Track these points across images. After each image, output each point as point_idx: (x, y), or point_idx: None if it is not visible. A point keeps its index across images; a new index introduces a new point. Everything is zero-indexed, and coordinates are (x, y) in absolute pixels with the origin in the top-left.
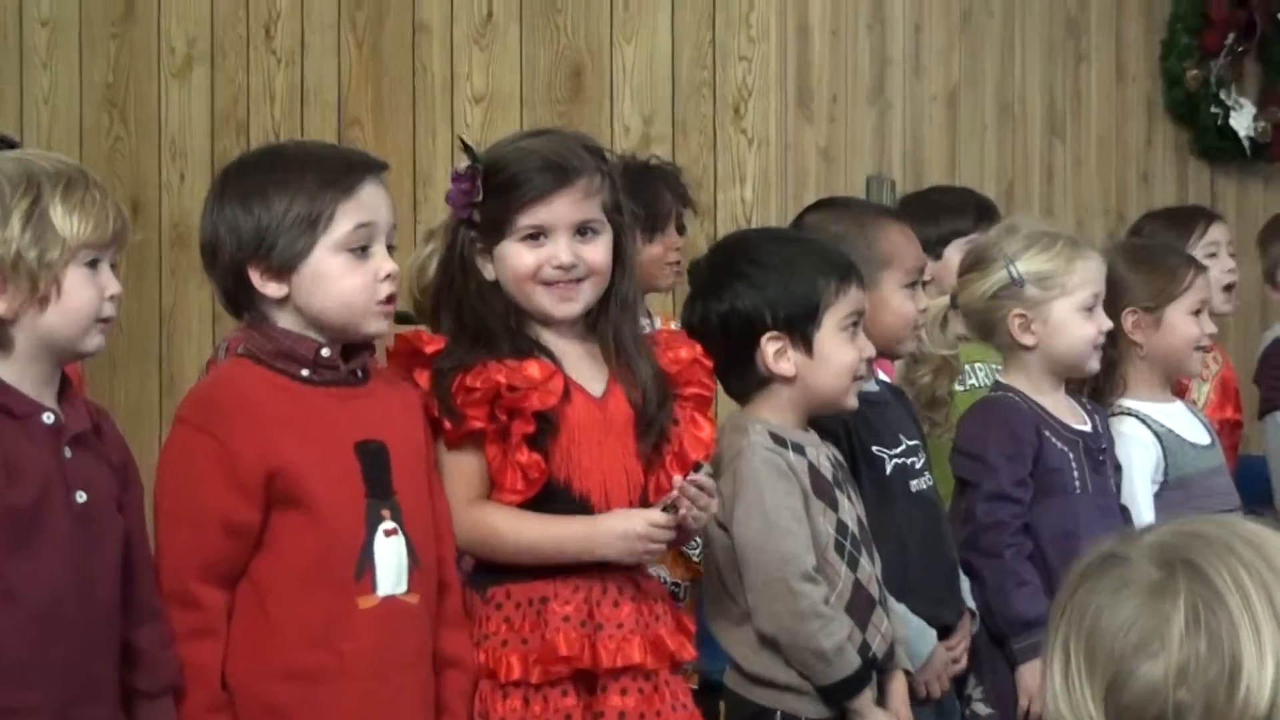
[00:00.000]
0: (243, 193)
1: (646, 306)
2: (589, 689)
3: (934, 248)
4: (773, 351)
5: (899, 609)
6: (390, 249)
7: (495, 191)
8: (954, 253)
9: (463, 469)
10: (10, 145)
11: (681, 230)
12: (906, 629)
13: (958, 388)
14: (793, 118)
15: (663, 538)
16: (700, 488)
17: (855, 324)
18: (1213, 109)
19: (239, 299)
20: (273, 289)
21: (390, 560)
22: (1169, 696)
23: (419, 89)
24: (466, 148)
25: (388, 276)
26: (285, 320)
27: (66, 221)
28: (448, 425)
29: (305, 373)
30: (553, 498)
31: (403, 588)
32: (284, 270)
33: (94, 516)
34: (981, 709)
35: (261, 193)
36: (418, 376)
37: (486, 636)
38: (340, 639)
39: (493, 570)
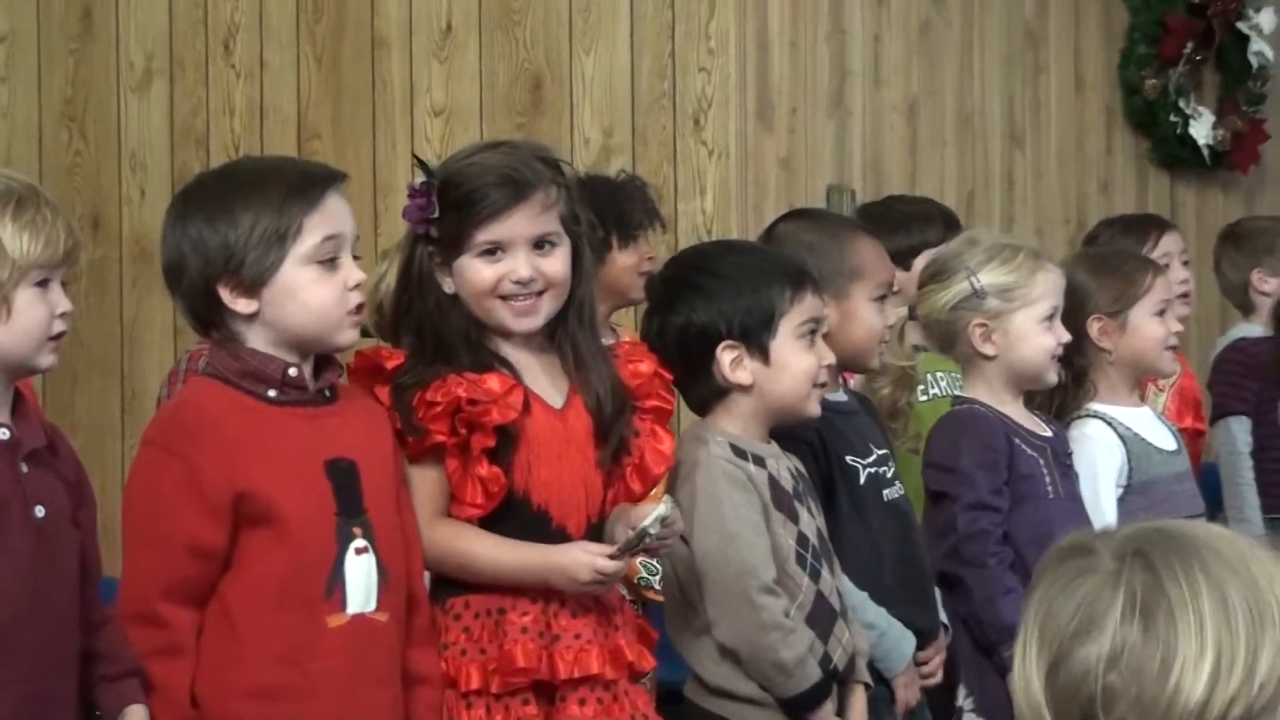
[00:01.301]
0: (206, 210)
1: (612, 324)
2: (549, 699)
3: (903, 258)
4: (729, 361)
5: (880, 612)
6: (354, 259)
7: (451, 207)
8: (924, 262)
9: (425, 484)
10: None
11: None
12: (888, 633)
13: (920, 398)
14: (753, 128)
15: (611, 578)
16: (667, 529)
17: (813, 331)
18: (1172, 118)
19: (207, 317)
20: (243, 305)
21: (360, 579)
22: (1098, 680)
23: (379, 103)
24: (420, 164)
25: (357, 286)
26: (254, 336)
27: (16, 241)
28: (410, 440)
29: (272, 393)
30: (512, 511)
31: (372, 605)
32: (254, 286)
33: (52, 531)
34: (973, 719)
35: (226, 209)
36: (379, 392)
37: (446, 646)
38: (308, 658)
39: (451, 581)
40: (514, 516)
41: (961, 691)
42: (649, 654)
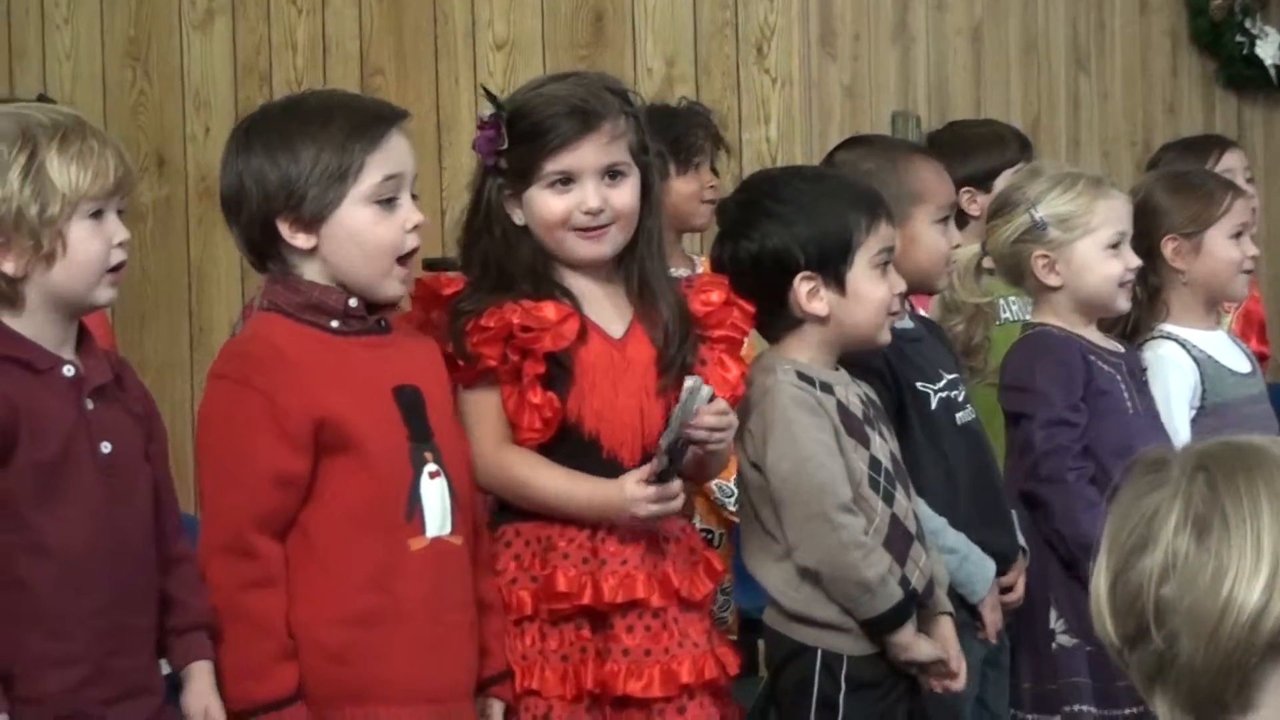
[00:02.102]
0: (268, 143)
1: (687, 253)
2: (601, 625)
3: (982, 181)
4: (805, 291)
5: (960, 537)
6: (412, 198)
7: (520, 139)
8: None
9: (485, 409)
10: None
11: (716, 173)
12: (968, 558)
13: (1004, 315)
14: (816, 56)
15: (667, 500)
16: (710, 424)
17: (886, 261)
18: (1238, 38)
19: (263, 250)
20: (302, 240)
21: (436, 502)
22: (1152, 592)
23: (441, 37)
24: (490, 95)
25: (415, 227)
26: (310, 271)
27: (64, 174)
28: (460, 364)
29: (335, 324)
30: (562, 438)
31: (448, 529)
32: (313, 222)
33: (120, 467)
34: (1067, 640)
35: (288, 144)
36: (436, 317)
37: (498, 573)
38: (394, 581)
39: (504, 508)
40: (564, 444)
41: (1053, 614)
42: (704, 582)
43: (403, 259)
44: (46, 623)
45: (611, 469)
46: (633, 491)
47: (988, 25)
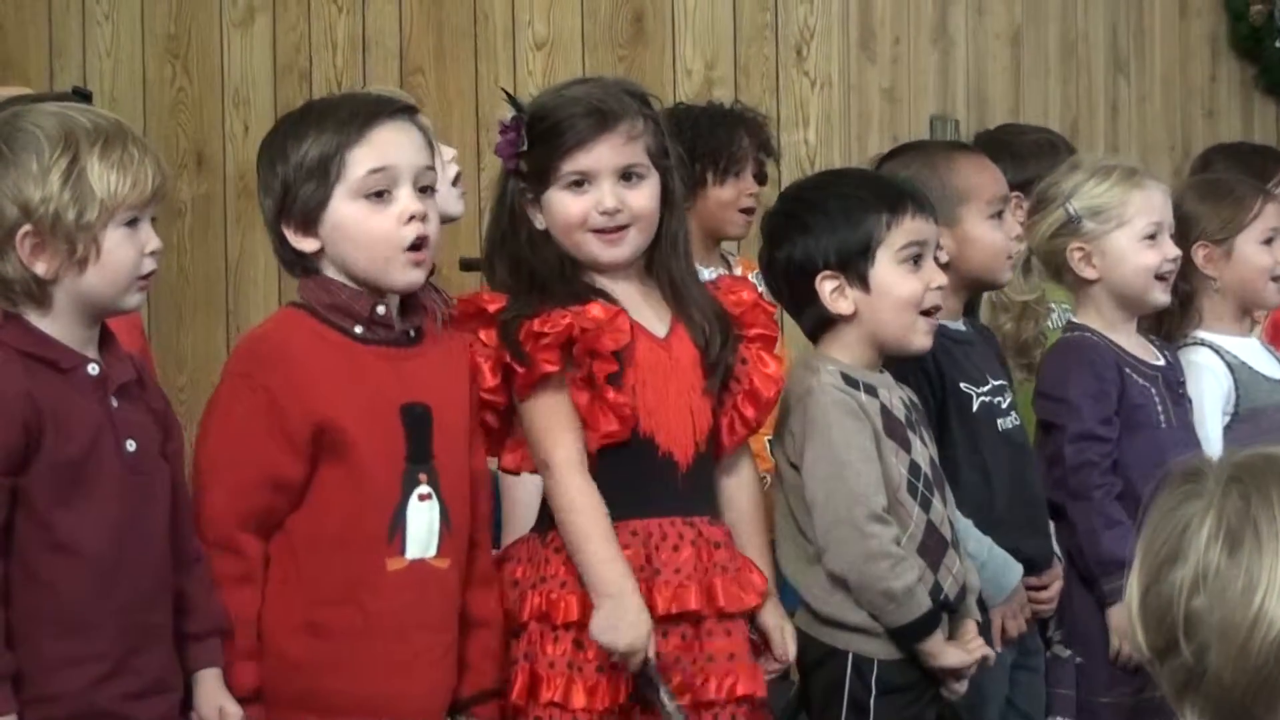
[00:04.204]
0: (273, 151)
1: (725, 253)
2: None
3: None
4: (829, 290)
5: (984, 541)
6: (426, 190)
7: (539, 140)
8: None
9: (552, 417)
10: (85, 97)
11: (763, 181)
12: (992, 561)
13: (1049, 325)
14: (855, 58)
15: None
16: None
17: (917, 256)
18: (1277, 43)
19: (288, 259)
20: (306, 244)
21: (421, 525)
22: (1183, 605)
23: (480, 35)
24: (510, 98)
25: (413, 218)
26: (332, 274)
27: (104, 181)
28: (521, 372)
29: (359, 330)
30: (623, 440)
31: (432, 552)
32: (308, 223)
33: (143, 465)
34: (1061, 650)
35: (283, 149)
36: (484, 336)
37: (544, 579)
38: (366, 597)
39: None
40: (624, 444)
41: (1053, 623)
42: (747, 595)
43: (411, 248)
44: (69, 621)
45: (667, 467)
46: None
47: (1027, 29)
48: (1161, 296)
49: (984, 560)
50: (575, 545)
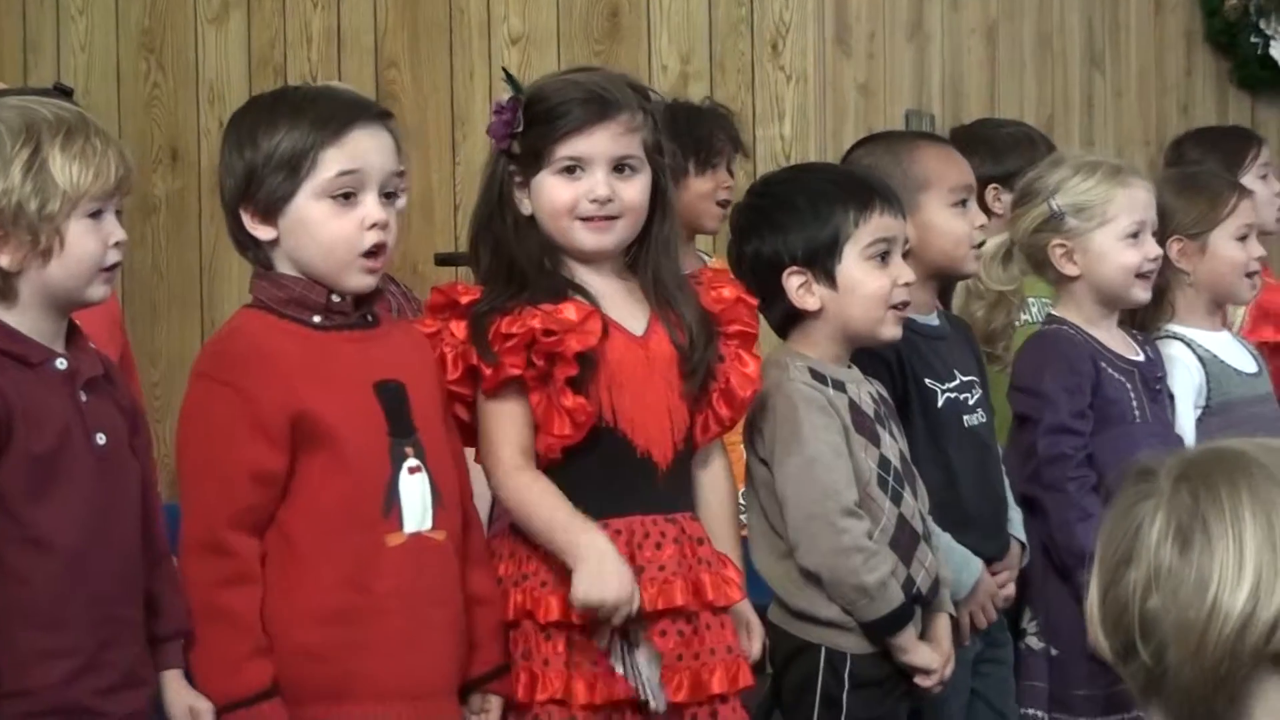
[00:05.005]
0: (241, 134)
1: (699, 252)
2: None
3: (1009, 180)
4: (796, 286)
5: (944, 538)
6: (391, 196)
7: (535, 122)
8: None
9: (504, 420)
10: (66, 94)
11: (731, 175)
12: (951, 558)
13: (1024, 317)
14: (831, 53)
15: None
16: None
17: (885, 253)
18: (1252, 38)
19: (240, 241)
20: (262, 231)
21: (415, 497)
22: (1137, 606)
23: (456, 31)
24: (509, 78)
25: (374, 225)
26: (283, 265)
27: (66, 172)
28: (486, 371)
29: (317, 319)
30: (596, 439)
31: (428, 524)
32: (269, 213)
33: (113, 458)
34: (1035, 643)
35: (253, 134)
36: (455, 327)
37: (525, 577)
38: (372, 578)
39: None
40: (598, 444)
41: (1027, 614)
42: (732, 588)
43: (368, 254)
44: (41, 615)
45: (647, 467)
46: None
47: (1003, 23)
48: (1142, 294)
49: (943, 559)
50: (543, 536)
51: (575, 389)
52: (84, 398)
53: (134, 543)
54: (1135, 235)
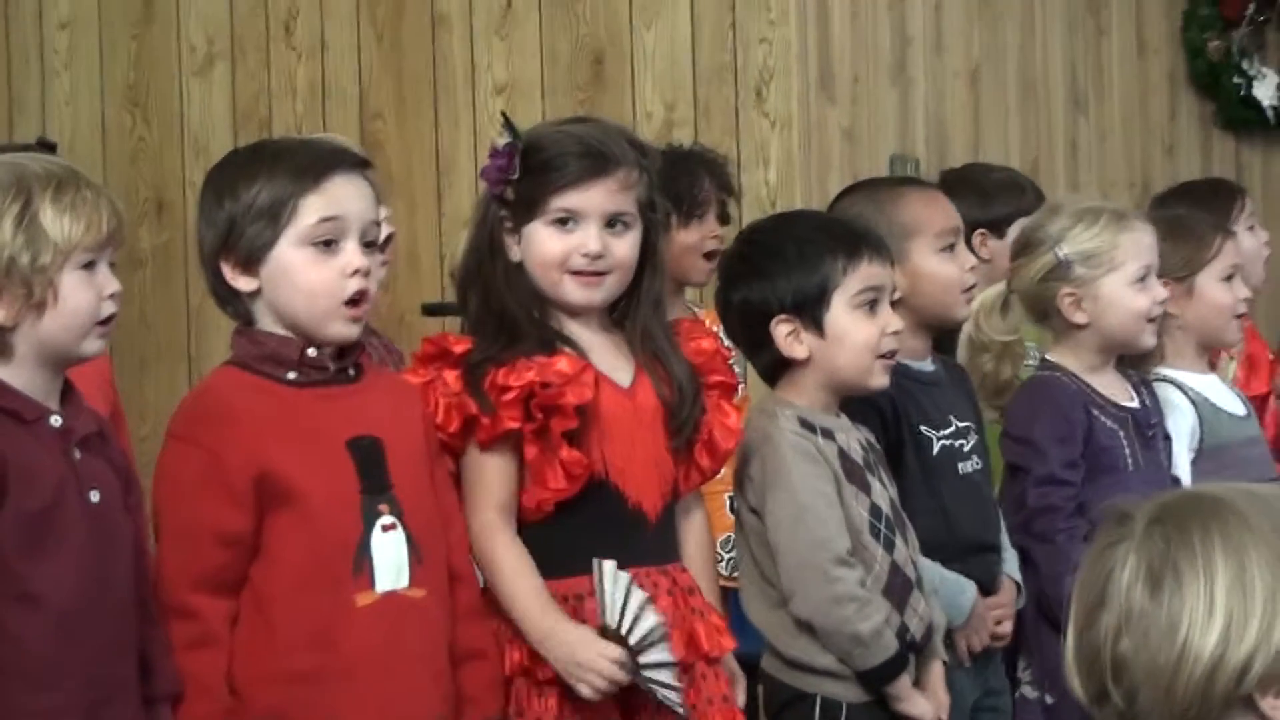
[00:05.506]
0: (219, 186)
1: (690, 305)
2: (625, 686)
3: (998, 227)
4: (784, 335)
5: (933, 567)
6: (372, 245)
7: (531, 171)
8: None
9: (490, 474)
10: (49, 148)
11: (725, 220)
12: (945, 587)
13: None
14: (815, 99)
15: (610, 674)
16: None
17: (873, 301)
18: (1235, 79)
19: (220, 295)
20: (243, 283)
21: (389, 556)
22: (1109, 650)
23: (440, 81)
24: (508, 124)
25: (356, 272)
26: (264, 317)
27: (58, 225)
28: (484, 422)
29: (291, 375)
30: (587, 491)
31: (404, 582)
32: (250, 263)
33: (106, 516)
34: (1030, 691)
35: (232, 186)
36: (447, 376)
37: (486, 620)
38: (340, 638)
39: None
40: (590, 497)
41: (1021, 662)
42: (725, 637)
43: (350, 302)
44: (34, 674)
45: (637, 519)
46: (607, 652)
47: (986, 67)
48: (1150, 339)
49: (935, 588)
50: (506, 605)
51: (570, 442)
52: (78, 455)
53: (127, 602)
54: (1143, 279)
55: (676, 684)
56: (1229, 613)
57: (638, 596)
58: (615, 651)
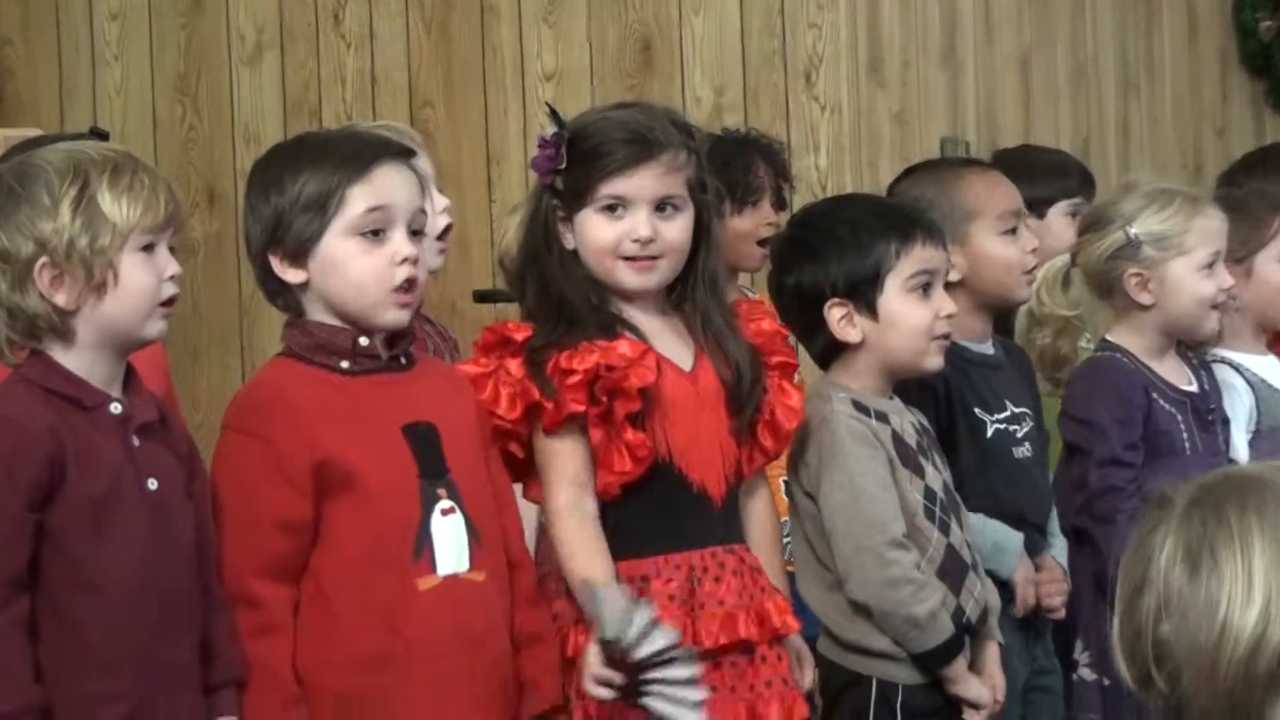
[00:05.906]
0: (265, 181)
1: (744, 289)
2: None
3: (1036, 208)
4: (837, 318)
5: (977, 518)
6: (417, 234)
7: (578, 160)
8: (1056, 216)
9: (563, 458)
10: (103, 137)
11: (781, 206)
12: (983, 531)
13: (1081, 343)
14: (865, 83)
15: (590, 689)
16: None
17: (927, 284)
18: None
19: (270, 289)
20: (292, 275)
21: (449, 539)
22: (1150, 633)
23: (489, 69)
24: (554, 114)
25: (404, 260)
26: (314, 309)
27: (116, 207)
28: (549, 407)
29: (345, 364)
30: (652, 474)
31: (465, 566)
32: (299, 255)
33: (166, 504)
34: (1088, 674)
35: (279, 179)
36: (510, 364)
37: (547, 604)
38: (403, 622)
39: None
40: (655, 480)
41: (1079, 645)
42: (790, 618)
43: (399, 289)
44: (92, 659)
45: (702, 501)
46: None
47: (1036, 50)
48: (1212, 326)
49: (979, 530)
50: (574, 587)
51: (634, 425)
52: (137, 442)
53: (186, 588)
54: (1210, 266)
55: (696, 698)
56: (1268, 591)
57: (644, 616)
58: (601, 670)
